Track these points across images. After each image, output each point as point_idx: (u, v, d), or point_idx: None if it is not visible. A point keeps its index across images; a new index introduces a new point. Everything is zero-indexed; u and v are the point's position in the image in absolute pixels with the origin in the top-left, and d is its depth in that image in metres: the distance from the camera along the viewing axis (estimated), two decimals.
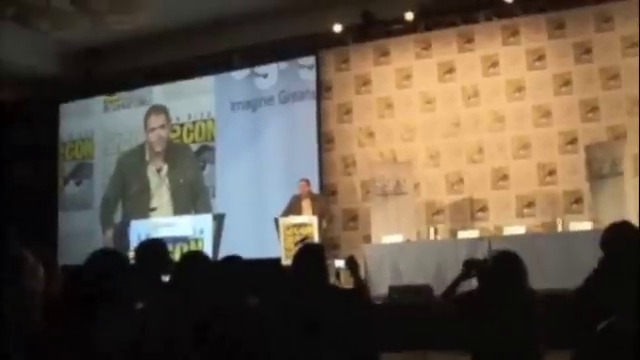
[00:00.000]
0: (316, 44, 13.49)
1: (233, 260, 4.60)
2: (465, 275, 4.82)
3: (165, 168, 14.70)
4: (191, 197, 14.34)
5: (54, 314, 3.30)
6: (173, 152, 14.76)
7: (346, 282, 11.75)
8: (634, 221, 9.72)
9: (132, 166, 15.13)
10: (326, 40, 13.33)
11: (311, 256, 4.67)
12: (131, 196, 14.99)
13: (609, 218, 9.92)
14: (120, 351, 3.34)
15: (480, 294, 4.68)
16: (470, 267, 4.82)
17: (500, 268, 4.65)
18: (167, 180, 14.62)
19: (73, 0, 10.03)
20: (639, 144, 10.51)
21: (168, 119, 14.87)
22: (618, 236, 4.43)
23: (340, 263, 11.41)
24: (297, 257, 4.66)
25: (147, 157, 15.01)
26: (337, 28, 12.87)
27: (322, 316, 4.21)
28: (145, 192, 14.82)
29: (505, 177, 12.15)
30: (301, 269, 4.55)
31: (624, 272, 3.84)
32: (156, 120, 15.04)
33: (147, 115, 15.16)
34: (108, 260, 3.72)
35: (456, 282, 4.85)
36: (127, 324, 3.52)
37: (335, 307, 4.35)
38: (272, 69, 13.92)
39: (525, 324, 4.42)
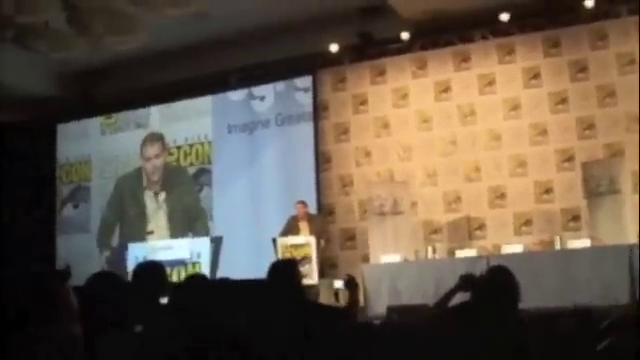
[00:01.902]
0: (313, 64, 13.54)
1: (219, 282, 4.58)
2: (459, 287, 4.84)
3: (163, 195, 14.70)
4: (188, 220, 14.32)
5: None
6: (170, 178, 14.75)
7: (344, 302, 11.74)
8: (633, 238, 9.79)
9: (130, 190, 15.12)
10: (323, 60, 13.38)
11: (284, 272, 4.64)
12: (129, 219, 14.97)
13: (607, 235, 9.96)
14: None
15: (472, 306, 4.70)
16: (466, 280, 4.84)
17: (493, 282, 4.67)
18: (165, 206, 14.62)
19: (70, 22, 10.04)
20: (639, 160, 10.51)
21: (164, 146, 14.87)
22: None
23: (339, 283, 11.43)
24: (270, 274, 4.61)
25: (144, 183, 15.01)
26: (334, 48, 12.91)
27: (308, 332, 4.19)
28: (142, 216, 14.81)
29: (502, 195, 12.16)
30: (276, 286, 4.51)
31: None
32: (152, 150, 15.05)
33: (143, 144, 15.16)
34: (107, 282, 3.72)
35: (450, 293, 4.87)
36: (126, 346, 3.51)
37: (320, 324, 4.32)
38: (269, 92, 13.95)
39: (516, 339, 4.43)
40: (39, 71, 14.33)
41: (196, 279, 4.65)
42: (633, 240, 9.80)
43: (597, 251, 9.61)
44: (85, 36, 10.48)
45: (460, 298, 4.89)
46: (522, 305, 4.68)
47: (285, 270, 4.66)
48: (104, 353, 3.32)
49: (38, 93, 14.84)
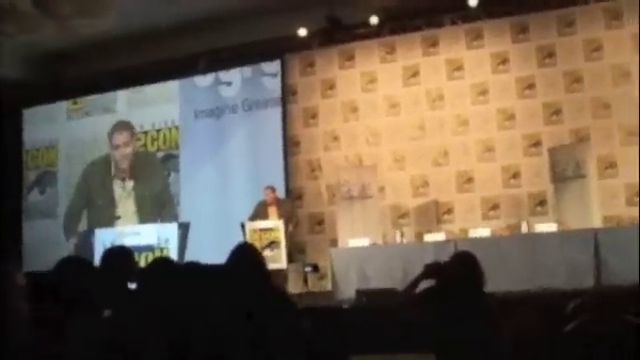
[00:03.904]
0: (281, 48, 13.50)
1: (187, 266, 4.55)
2: (425, 275, 4.87)
3: (131, 182, 14.61)
4: (157, 207, 14.27)
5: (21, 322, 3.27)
6: (139, 165, 14.67)
7: (313, 286, 11.79)
8: (598, 222, 9.92)
9: (98, 178, 15.00)
10: (291, 44, 13.34)
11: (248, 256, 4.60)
12: (96, 206, 14.87)
13: (573, 220, 10.07)
14: (87, 358, 3.31)
15: (437, 292, 4.74)
16: (431, 268, 4.87)
17: (456, 268, 4.71)
18: (133, 193, 14.54)
19: (37, 3, 9.92)
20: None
21: (133, 134, 14.78)
22: None
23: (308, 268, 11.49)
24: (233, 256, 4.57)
25: (113, 171, 14.90)
26: (302, 32, 12.87)
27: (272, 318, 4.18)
28: (110, 202, 14.72)
29: (470, 180, 12.22)
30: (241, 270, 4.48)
31: None
32: (120, 138, 14.94)
33: (111, 132, 15.04)
34: (75, 267, 3.69)
35: (416, 281, 4.90)
36: (94, 331, 3.49)
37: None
38: (236, 77, 13.92)
39: (481, 324, 4.47)
40: (5, 54, 14.12)
41: (161, 263, 4.63)
42: (598, 224, 9.92)
43: (563, 235, 9.70)
44: (52, 18, 10.36)
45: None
46: (489, 289, 4.71)
47: (247, 253, 4.63)
48: (73, 338, 3.30)
49: (3, 76, 14.63)
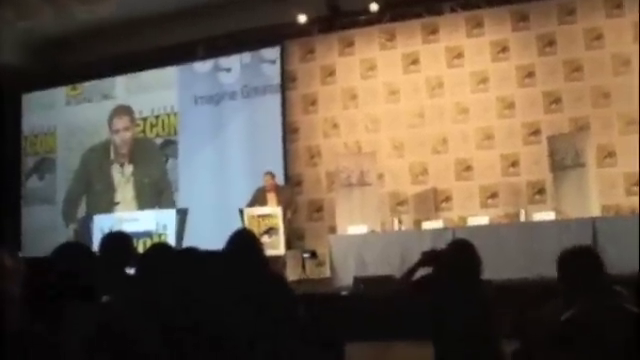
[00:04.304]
0: (281, 34, 13.48)
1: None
2: (422, 262, 4.87)
3: (130, 167, 14.61)
4: (156, 193, 14.27)
5: (20, 310, 3.27)
6: (138, 150, 14.66)
7: (311, 273, 11.82)
8: (595, 211, 9.92)
9: (97, 163, 15.00)
10: (291, 31, 13.33)
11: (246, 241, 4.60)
12: (95, 192, 14.88)
13: (572, 208, 10.07)
14: (85, 344, 3.32)
15: (434, 280, 4.75)
16: (427, 256, 4.87)
17: (454, 256, 4.71)
18: (132, 179, 14.54)
19: None
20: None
21: (132, 119, 14.76)
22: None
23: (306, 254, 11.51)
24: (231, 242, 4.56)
25: (112, 156, 14.89)
26: (302, 19, 12.86)
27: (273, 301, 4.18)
28: (109, 189, 14.72)
29: (469, 168, 12.23)
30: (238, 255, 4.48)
31: None
32: (120, 122, 14.93)
33: (111, 116, 15.03)
34: (73, 252, 3.69)
35: (413, 269, 4.89)
36: (92, 317, 3.49)
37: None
38: (235, 63, 13.91)
39: (478, 312, 4.48)
40: (4, 40, 14.10)
41: (159, 248, 4.63)
42: (597, 213, 9.93)
43: (561, 224, 9.69)
44: (51, 4, 10.33)
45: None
46: (487, 277, 4.72)
47: (245, 239, 4.63)
48: (71, 323, 3.30)
49: (2, 62, 14.60)
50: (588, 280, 3.44)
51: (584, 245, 3.61)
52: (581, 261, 3.53)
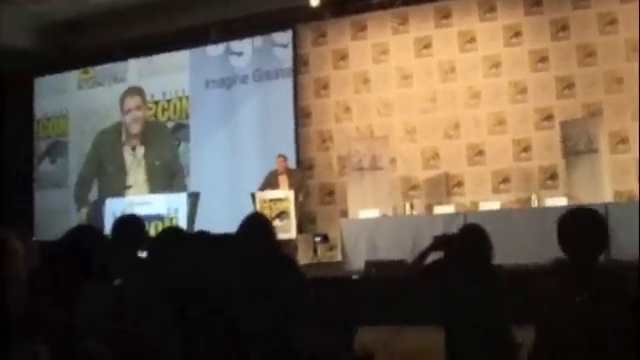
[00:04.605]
0: (293, 18, 13.45)
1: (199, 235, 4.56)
2: (433, 247, 4.86)
3: (142, 149, 14.64)
4: (167, 176, 14.31)
5: (32, 292, 3.29)
6: (150, 133, 14.69)
7: (322, 256, 11.84)
8: (608, 197, 9.89)
9: (108, 146, 15.05)
10: (303, 14, 13.27)
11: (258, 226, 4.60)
12: (107, 175, 14.94)
13: (584, 194, 10.04)
14: (98, 327, 3.34)
15: (445, 265, 4.75)
16: (439, 240, 4.87)
17: (465, 241, 4.71)
18: (144, 161, 14.58)
19: None
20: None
21: (144, 100, 14.79)
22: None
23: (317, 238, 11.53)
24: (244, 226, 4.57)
25: (123, 138, 14.94)
26: (314, 2, 12.81)
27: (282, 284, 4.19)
28: (121, 172, 14.78)
29: (481, 153, 12.21)
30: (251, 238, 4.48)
31: None
32: (132, 101, 14.97)
33: (123, 96, 15.08)
34: (86, 235, 3.71)
35: (425, 253, 4.89)
36: (105, 300, 3.52)
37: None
38: (247, 47, 13.90)
39: (489, 297, 4.48)
40: (17, 23, 14.12)
41: (172, 231, 4.64)
42: (609, 199, 9.90)
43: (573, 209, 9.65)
44: None
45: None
46: (498, 262, 4.72)
47: (258, 223, 4.64)
48: (83, 306, 3.32)
49: (15, 46, 14.61)
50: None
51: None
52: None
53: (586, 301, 3.18)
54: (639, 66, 10.74)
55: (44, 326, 3.00)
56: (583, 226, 3.40)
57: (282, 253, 4.52)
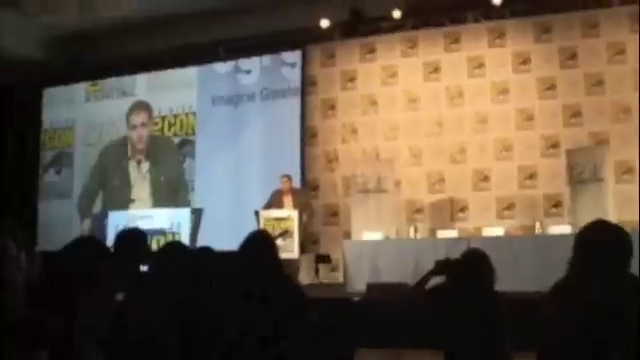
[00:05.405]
0: (303, 38, 13.49)
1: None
2: (435, 272, 4.84)
3: (147, 164, 14.65)
4: (171, 191, 14.30)
5: (33, 300, 3.29)
6: (155, 148, 14.71)
7: (324, 277, 11.81)
8: None
9: (114, 159, 15.06)
10: (313, 35, 13.32)
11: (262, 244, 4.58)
12: (111, 188, 14.93)
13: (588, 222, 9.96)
14: (100, 338, 3.33)
15: (446, 290, 4.73)
16: (440, 265, 4.85)
17: (467, 266, 4.69)
18: (148, 176, 14.58)
19: None
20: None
21: (150, 115, 14.82)
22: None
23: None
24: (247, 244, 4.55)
25: (129, 152, 14.95)
26: (324, 23, 12.85)
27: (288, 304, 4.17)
28: (126, 185, 14.77)
29: (486, 178, 12.19)
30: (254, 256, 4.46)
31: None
32: (138, 118, 14.99)
33: (129, 112, 15.10)
34: (88, 247, 3.70)
35: (426, 278, 4.87)
36: (106, 311, 3.51)
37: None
38: (255, 65, 13.94)
39: (490, 323, 4.46)
40: (26, 34, 14.18)
41: (174, 246, 4.64)
42: None
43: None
44: None
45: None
46: (500, 288, 4.70)
47: (261, 241, 4.62)
48: (84, 317, 3.32)
49: (24, 56, 14.67)
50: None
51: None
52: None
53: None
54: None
55: (43, 333, 2.99)
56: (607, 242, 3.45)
57: (284, 273, 4.50)
